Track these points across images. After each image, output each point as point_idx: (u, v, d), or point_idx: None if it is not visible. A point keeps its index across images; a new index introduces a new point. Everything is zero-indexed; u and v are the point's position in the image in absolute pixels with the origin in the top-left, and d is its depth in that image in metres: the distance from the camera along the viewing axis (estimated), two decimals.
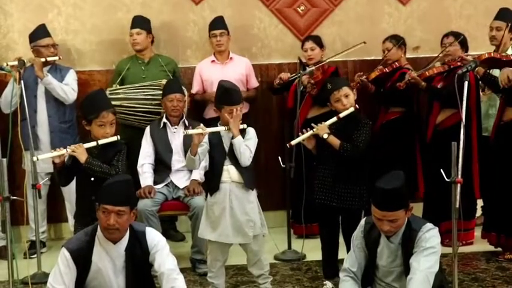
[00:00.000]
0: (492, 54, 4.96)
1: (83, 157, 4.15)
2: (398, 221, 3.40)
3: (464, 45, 5.31)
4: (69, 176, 4.35)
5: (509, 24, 5.17)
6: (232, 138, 4.03)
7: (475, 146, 5.20)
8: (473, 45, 5.43)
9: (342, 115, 4.28)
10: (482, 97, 5.41)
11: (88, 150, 4.21)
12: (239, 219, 4.08)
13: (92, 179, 4.20)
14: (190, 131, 4.08)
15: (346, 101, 4.30)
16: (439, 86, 5.23)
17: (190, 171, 4.99)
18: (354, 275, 3.60)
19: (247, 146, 4.07)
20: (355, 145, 4.23)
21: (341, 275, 3.66)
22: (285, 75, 5.56)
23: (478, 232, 5.29)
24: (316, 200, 4.40)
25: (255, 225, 4.12)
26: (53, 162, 4.25)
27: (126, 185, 3.37)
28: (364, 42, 5.50)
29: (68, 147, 4.20)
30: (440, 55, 5.26)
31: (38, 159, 4.29)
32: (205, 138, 4.08)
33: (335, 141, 4.24)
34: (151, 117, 5.27)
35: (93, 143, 4.21)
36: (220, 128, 4.11)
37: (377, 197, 3.40)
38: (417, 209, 3.76)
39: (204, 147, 4.09)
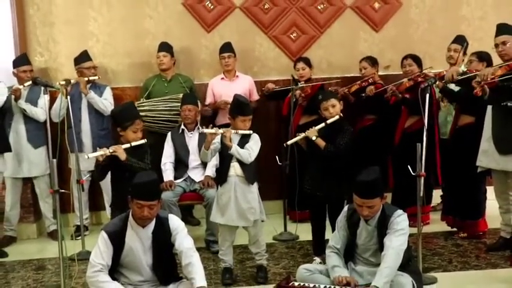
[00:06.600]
0: None
1: (123, 155, 4.10)
2: (375, 207, 3.42)
3: (419, 63, 5.30)
4: (105, 173, 4.33)
5: (463, 47, 5.16)
6: (229, 150, 4.00)
7: (437, 146, 5.17)
8: (432, 64, 5.40)
9: (329, 121, 4.26)
10: (443, 107, 5.38)
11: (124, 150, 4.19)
12: (242, 207, 4.06)
13: (127, 174, 4.16)
14: (206, 130, 4.06)
15: (333, 110, 4.27)
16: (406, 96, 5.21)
17: (204, 168, 4.97)
18: (337, 251, 3.61)
19: (248, 148, 4.04)
20: (337, 146, 4.20)
21: (327, 251, 3.66)
22: (271, 85, 5.56)
23: (437, 216, 5.29)
24: (305, 189, 4.39)
25: (255, 211, 4.09)
26: (97, 160, 4.22)
27: (154, 183, 3.37)
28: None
29: (110, 147, 4.15)
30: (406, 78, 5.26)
31: (88, 157, 4.20)
32: (218, 139, 4.06)
33: (321, 143, 4.22)
34: (170, 125, 5.25)
35: (128, 145, 4.19)
36: (229, 129, 4.06)
37: (358, 187, 3.40)
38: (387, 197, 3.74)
39: (215, 145, 4.07)
